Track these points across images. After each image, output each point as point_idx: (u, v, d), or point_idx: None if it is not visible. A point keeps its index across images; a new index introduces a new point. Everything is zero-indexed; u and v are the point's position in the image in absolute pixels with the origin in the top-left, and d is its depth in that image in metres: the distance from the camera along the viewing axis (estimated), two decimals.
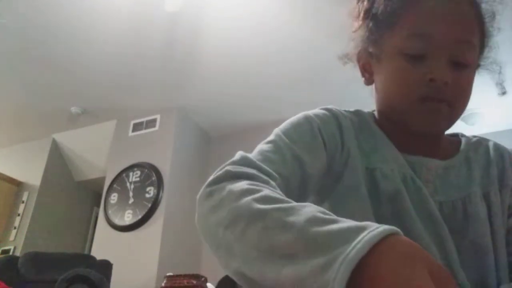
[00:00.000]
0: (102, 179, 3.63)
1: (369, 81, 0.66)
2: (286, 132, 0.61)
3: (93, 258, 2.50)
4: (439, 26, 0.56)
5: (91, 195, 4.48)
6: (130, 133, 3.67)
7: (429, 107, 0.57)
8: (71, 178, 4.26)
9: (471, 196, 0.59)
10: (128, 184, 3.38)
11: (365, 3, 0.63)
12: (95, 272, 2.09)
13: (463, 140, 0.67)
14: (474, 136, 0.69)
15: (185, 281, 1.90)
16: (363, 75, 0.67)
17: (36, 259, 2.29)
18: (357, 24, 0.65)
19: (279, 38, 2.71)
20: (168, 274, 2.51)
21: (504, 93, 0.65)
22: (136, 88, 3.35)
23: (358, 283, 0.30)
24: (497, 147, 0.67)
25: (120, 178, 3.44)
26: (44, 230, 3.74)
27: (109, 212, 3.32)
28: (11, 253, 3.44)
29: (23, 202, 3.76)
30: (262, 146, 0.59)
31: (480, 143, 0.67)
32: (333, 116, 0.64)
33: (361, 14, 0.64)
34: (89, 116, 3.73)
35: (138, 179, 3.36)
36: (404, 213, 0.57)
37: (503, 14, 0.62)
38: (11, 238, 3.59)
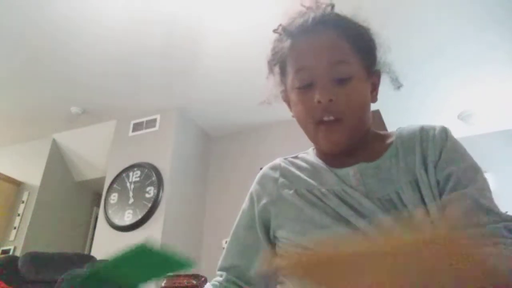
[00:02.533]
0: (102, 179, 3.63)
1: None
2: None
3: (93, 258, 2.49)
4: (312, 57, 0.68)
5: (91, 195, 4.48)
6: (130, 133, 3.66)
7: (325, 127, 0.67)
8: (71, 178, 4.26)
9: (402, 187, 0.63)
10: (128, 184, 3.38)
11: (268, 54, 0.78)
12: None
13: (396, 133, 0.73)
14: (412, 125, 0.74)
15: (185, 281, 1.89)
16: (290, 109, 0.78)
17: (36, 259, 2.29)
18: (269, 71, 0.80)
19: None
20: (168, 274, 2.51)
21: (399, 87, 0.75)
22: (136, 88, 3.35)
23: None
24: (423, 127, 0.70)
25: (120, 178, 3.44)
26: (44, 230, 3.73)
27: (109, 212, 3.32)
28: (11, 253, 3.44)
29: (23, 202, 3.76)
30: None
31: (408, 130, 0.72)
32: (259, 184, 0.79)
33: (268, 65, 0.79)
34: (89, 116, 3.73)
35: (138, 179, 3.36)
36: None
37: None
38: (11, 238, 3.59)
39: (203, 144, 3.90)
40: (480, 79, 3.01)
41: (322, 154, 0.76)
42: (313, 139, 0.72)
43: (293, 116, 0.77)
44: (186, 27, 2.69)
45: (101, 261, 2.05)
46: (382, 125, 3.61)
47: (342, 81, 0.66)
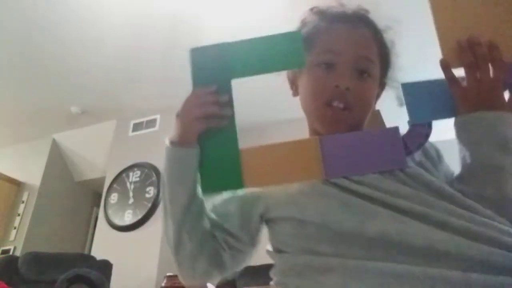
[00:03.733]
0: (102, 179, 3.63)
1: (295, 93, 0.79)
2: None
3: (93, 258, 2.50)
4: (343, 44, 0.70)
5: (91, 195, 4.48)
6: (130, 133, 3.67)
7: (332, 111, 0.68)
8: (71, 178, 4.26)
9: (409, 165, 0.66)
10: (128, 184, 3.38)
11: (297, 26, 0.78)
12: (95, 272, 2.09)
13: None
14: None
15: None
16: (291, 88, 0.80)
17: (36, 259, 2.29)
18: None
19: None
20: (168, 274, 2.51)
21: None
22: (136, 88, 3.35)
23: None
24: None
25: (120, 178, 3.44)
26: (44, 230, 3.74)
27: (109, 212, 3.32)
28: (11, 253, 3.44)
29: (23, 202, 3.77)
30: None
31: None
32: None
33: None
34: (89, 116, 3.73)
35: (138, 179, 3.36)
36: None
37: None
38: (11, 238, 3.59)
39: None
40: None
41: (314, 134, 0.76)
42: (315, 118, 0.73)
43: (294, 95, 0.79)
44: (186, 27, 2.69)
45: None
46: (382, 125, 3.61)
47: (362, 75, 0.69)
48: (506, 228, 0.54)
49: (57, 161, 4.08)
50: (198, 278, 0.69)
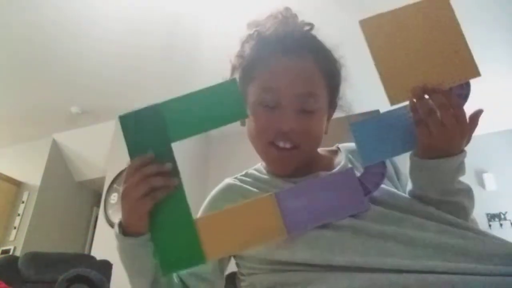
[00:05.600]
0: (102, 179, 3.63)
1: (242, 123, 0.76)
2: None
3: (93, 258, 2.50)
4: (283, 81, 0.66)
5: (91, 195, 4.48)
6: None
7: (277, 151, 0.67)
8: (71, 178, 4.26)
9: None
10: None
11: (233, 60, 0.77)
12: (95, 272, 2.09)
13: (341, 149, 0.79)
14: (347, 143, 0.80)
15: None
16: (241, 124, 0.77)
17: (36, 259, 2.29)
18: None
19: None
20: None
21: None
22: (136, 88, 3.35)
23: None
24: None
25: (120, 178, 3.44)
26: (44, 230, 3.73)
27: (109, 212, 3.32)
28: (11, 253, 3.44)
29: (23, 202, 3.76)
30: None
31: (351, 146, 0.78)
32: (211, 206, 0.75)
33: (231, 71, 0.77)
34: (89, 116, 3.73)
35: None
36: None
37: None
38: (11, 238, 3.59)
39: (203, 144, 3.90)
40: (480, 79, 3.00)
41: (278, 172, 0.76)
42: (263, 157, 0.73)
43: (241, 125, 0.76)
44: (186, 28, 2.69)
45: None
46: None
47: (306, 113, 0.67)
48: (471, 234, 0.56)
49: (57, 161, 4.08)
50: None
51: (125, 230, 0.61)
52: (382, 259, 0.52)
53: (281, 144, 0.67)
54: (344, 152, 0.77)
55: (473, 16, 2.50)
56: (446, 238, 0.54)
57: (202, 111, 0.58)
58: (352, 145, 0.77)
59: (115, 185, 3.44)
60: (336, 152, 0.80)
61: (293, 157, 0.68)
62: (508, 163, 3.69)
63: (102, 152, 3.92)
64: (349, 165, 0.72)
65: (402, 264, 0.51)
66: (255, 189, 0.70)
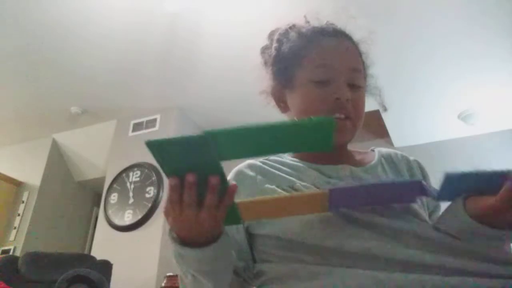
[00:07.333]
0: (102, 179, 3.63)
1: (284, 109, 0.81)
2: None
3: (93, 258, 2.49)
4: (337, 58, 0.73)
5: (91, 195, 4.48)
6: (130, 133, 3.66)
7: (336, 122, 0.68)
8: (71, 178, 4.26)
9: None
10: (128, 184, 3.38)
11: (272, 51, 0.80)
12: (95, 272, 2.09)
13: (376, 151, 0.81)
14: (384, 148, 0.84)
15: None
16: (278, 106, 0.82)
17: (36, 259, 2.29)
18: (265, 69, 0.83)
19: None
20: (168, 274, 2.51)
21: (385, 110, 0.85)
22: (136, 88, 3.35)
23: None
24: (403, 154, 0.81)
25: (120, 178, 3.44)
26: (44, 230, 3.74)
27: (109, 212, 3.32)
28: (11, 253, 3.44)
29: (23, 202, 3.76)
30: None
31: (387, 151, 0.81)
32: (235, 180, 0.74)
33: (270, 60, 0.81)
34: (89, 116, 3.73)
35: (138, 179, 3.36)
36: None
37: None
38: (11, 238, 3.59)
39: None
40: (480, 79, 3.01)
41: (302, 155, 0.77)
42: None
43: (282, 111, 0.80)
44: (186, 27, 2.69)
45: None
46: (382, 125, 3.61)
47: (353, 88, 0.72)
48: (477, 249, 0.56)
49: (57, 161, 4.08)
50: None
51: (185, 241, 0.60)
52: (398, 249, 0.54)
53: (337, 115, 0.70)
54: (377, 154, 0.79)
55: (472, 15, 2.50)
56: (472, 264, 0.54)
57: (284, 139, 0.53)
58: (386, 150, 0.81)
59: (115, 185, 3.44)
60: (368, 153, 0.82)
61: (349, 127, 0.71)
62: (508, 163, 3.69)
63: (102, 152, 3.92)
64: (379, 167, 0.74)
65: (420, 258, 0.53)
66: (277, 171, 0.72)
